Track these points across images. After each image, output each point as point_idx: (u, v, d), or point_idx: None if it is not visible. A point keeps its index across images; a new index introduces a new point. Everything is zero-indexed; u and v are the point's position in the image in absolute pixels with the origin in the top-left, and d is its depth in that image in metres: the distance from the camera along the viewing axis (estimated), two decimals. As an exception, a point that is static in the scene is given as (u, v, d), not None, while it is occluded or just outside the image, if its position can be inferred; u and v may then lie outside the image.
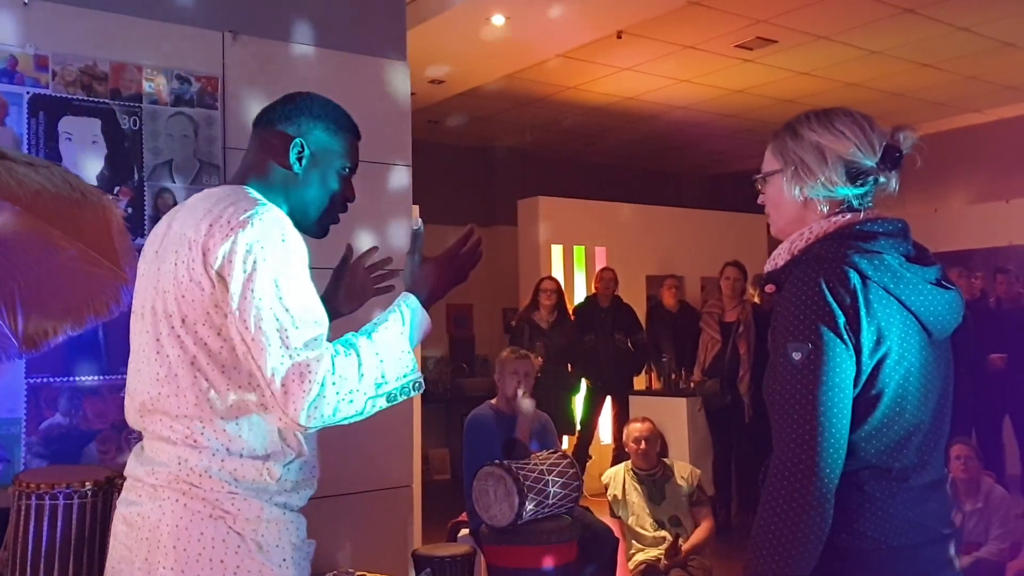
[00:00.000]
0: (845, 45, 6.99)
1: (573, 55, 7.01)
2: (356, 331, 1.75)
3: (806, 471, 1.59)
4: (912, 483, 1.68)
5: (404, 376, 1.74)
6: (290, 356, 1.62)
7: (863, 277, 1.65)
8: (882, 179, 1.75)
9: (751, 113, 8.93)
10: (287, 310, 1.64)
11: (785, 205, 1.82)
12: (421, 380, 1.78)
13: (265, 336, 1.62)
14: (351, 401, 1.66)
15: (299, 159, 1.87)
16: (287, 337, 1.63)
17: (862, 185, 1.75)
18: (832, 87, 7.97)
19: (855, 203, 1.75)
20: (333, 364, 1.64)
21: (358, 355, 1.68)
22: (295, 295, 1.67)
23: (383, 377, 1.70)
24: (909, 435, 1.68)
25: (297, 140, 1.87)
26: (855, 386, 1.64)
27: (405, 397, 1.75)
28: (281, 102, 1.94)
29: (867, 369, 1.64)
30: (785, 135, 1.81)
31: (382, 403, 1.71)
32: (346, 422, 1.68)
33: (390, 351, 1.72)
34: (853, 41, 6.91)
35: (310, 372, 1.61)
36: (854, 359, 1.62)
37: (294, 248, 1.70)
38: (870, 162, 1.74)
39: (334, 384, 1.63)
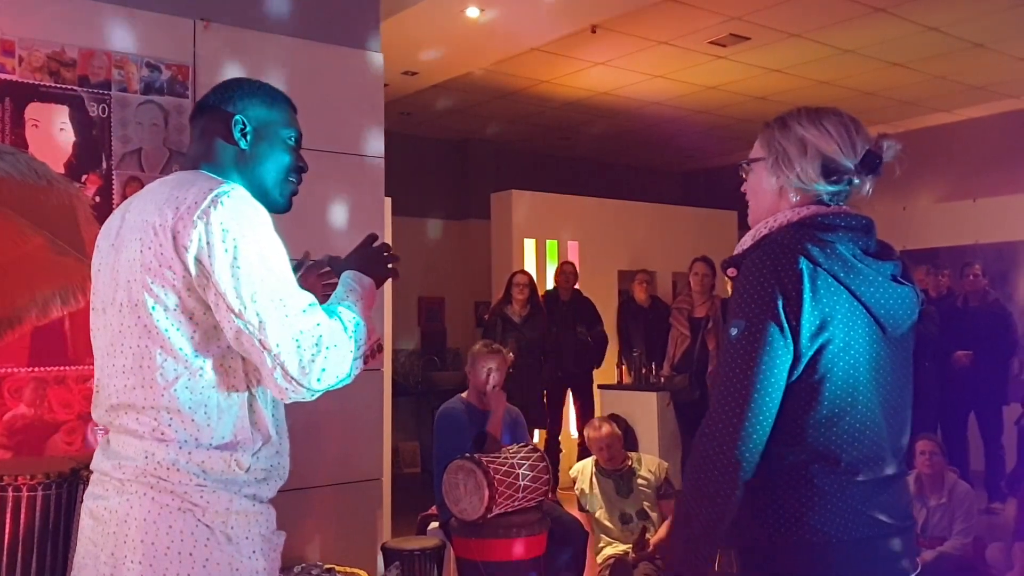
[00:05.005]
0: (817, 43, 7.04)
1: (547, 49, 7.01)
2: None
3: (729, 437, 1.67)
4: (863, 477, 1.71)
5: (369, 338, 1.80)
6: (292, 324, 1.65)
7: (814, 264, 1.69)
8: (856, 181, 1.79)
9: (723, 110, 8.98)
10: (279, 280, 1.68)
11: (763, 194, 1.87)
12: (381, 339, 1.84)
13: (264, 310, 1.64)
14: (345, 362, 1.71)
15: (243, 135, 1.87)
16: (285, 306, 1.66)
17: (836, 183, 1.79)
18: (803, 85, 8.03)
19: (826, 199, 1.80)
20: (330, 328, 1.69)
21: (340, 319, 1.74)
22: (282, 265, 1.70)
23: (359, 339, 1.76)
24: (863, 427, 1.71)
25: (238, 117, 1.86)
26: (795, 368, 1.68)
27: (371, 358, 1.83)
28: (212, 91, 1.94)
29: (808, 352, 1.68)
30: (774, 126, 1.86)
31: (359, 364, 1.76)
32: (340, 385, 1.73)
33: (358, 314, 1.80)
34: (825, 39, 6.96)
35: (315, 336, 1.67)
36: (790, 341, 1.66)
37: (266, 219, 1.73)
38: (848, 163, 1.78)
39: (337, 347, 1.69)
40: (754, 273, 1.71)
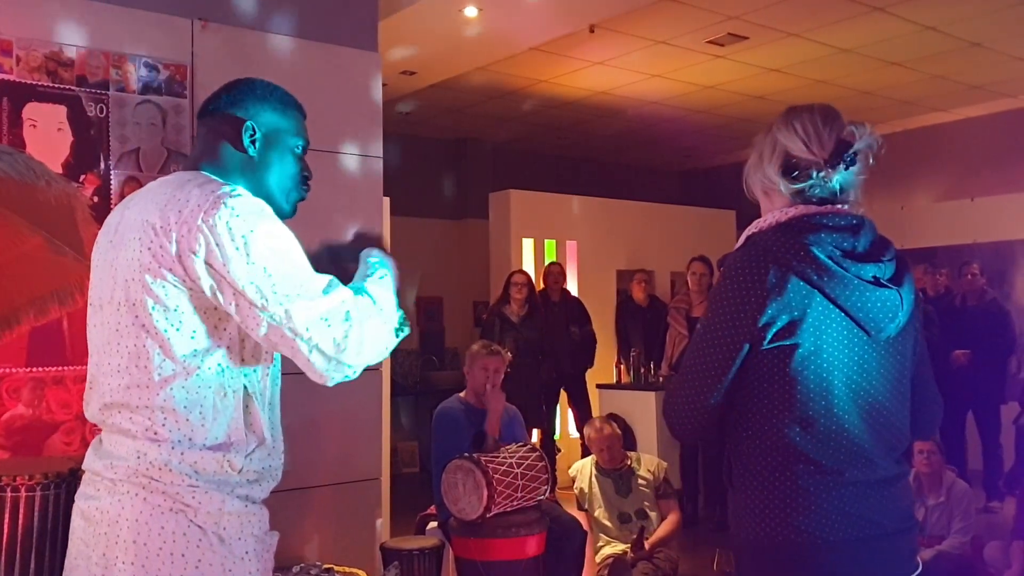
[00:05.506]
0: (815, 43, 7.04)
1: (545, 48, 7.01)
2: None
3: (681, 406, 1.80)
4: (849, 478, 1.70)
5: (398, 309, 1.83)
6: (317, 305, 1.67)
7: (784, 267, 1.69)
8: (820, 174, 1.77)
9: (721, 109, 8.98)
10: (295, 267, 1.69)
11: (758, 196, 1.89)
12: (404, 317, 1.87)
13: (288, 298, 1.65)
14: (382, 334, 1.75)
15: (252, 142, 1.86)
16: (307, 290, 1.68)
17: (798, 180, 1.78)
18: (801, 84, 8.03)
19: (788, 196, 1.79)
20: (357, 303, 1.72)
21: (368, 294, 1.77)
22: (295, 252, 1.72)
23: (392, 310, 1.80)
24: (839, 432, 1.71)
25: (248, 123, 1.85)
26: (765, 363, 1.71)
27: (404, 334, 1.83)
28: (224, 89, 1.92)
29: (774, 354, 1.70)
30: (764, 130, 1.87)
31: (393, 338, 1.80)
32: (378, 359, 1.77)
33: (387, 290, 1.82)
34: (823, 39, 6.96)
35: (342, 312, 1.69)
36: (744, 341, 1.71)
37: (271, 212, 1.74)
38: (813, 158, 1.76)
39: (369, 319, 1.72)
40: (724, 275, 1.76)
